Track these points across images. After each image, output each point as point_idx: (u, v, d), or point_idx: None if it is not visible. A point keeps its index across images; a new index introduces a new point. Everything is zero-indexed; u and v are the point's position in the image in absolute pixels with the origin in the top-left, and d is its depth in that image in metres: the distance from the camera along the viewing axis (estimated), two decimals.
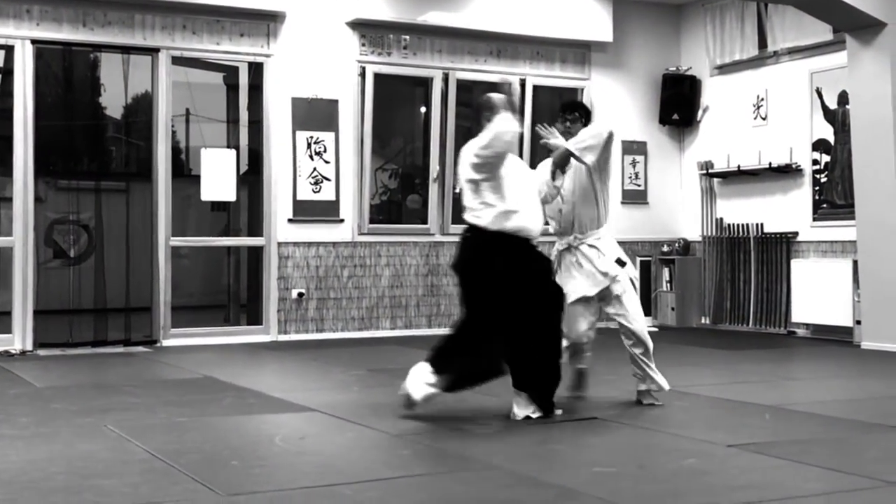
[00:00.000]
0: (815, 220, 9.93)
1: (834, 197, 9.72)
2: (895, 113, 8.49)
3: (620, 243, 10.93)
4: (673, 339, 9.73)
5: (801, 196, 10.07)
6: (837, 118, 9.67)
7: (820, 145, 9.87)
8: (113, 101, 10.03)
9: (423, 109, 10.64)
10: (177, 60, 9.30)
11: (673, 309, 10.98)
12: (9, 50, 8.74)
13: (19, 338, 8.66)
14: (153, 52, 9.14)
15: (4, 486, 3.90)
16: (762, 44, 10.51)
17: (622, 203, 11.23)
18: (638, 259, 10.94)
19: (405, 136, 11.20)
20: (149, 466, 4.28)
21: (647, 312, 10.71)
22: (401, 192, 11.10)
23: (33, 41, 8.70)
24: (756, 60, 10.61)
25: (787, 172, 10.14)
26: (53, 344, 8.75)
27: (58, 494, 3.79)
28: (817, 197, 9.90)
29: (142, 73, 9.21)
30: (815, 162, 9.92)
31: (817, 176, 9.89)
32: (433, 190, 10.20)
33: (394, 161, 11.10)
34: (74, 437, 4.92)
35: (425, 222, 10.25)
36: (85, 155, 9.36)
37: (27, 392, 6.45)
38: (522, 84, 10.66)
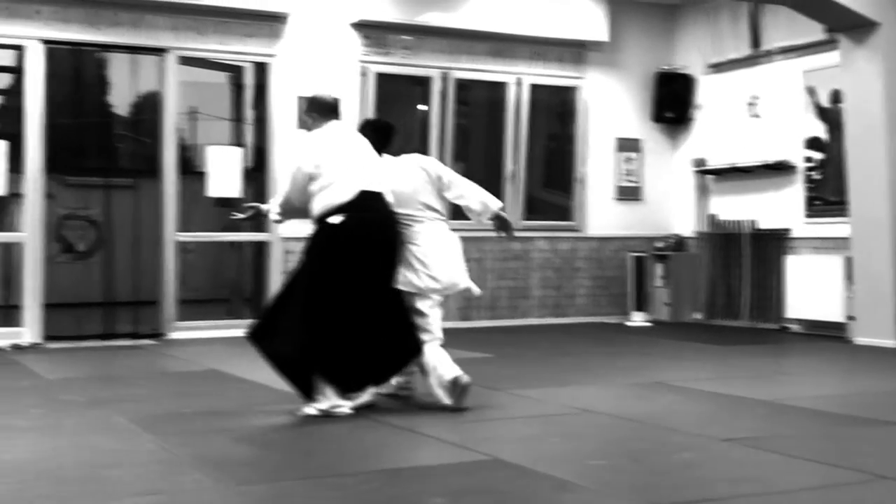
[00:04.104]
0: (807, 216, 10.03)
1: (826, 194, 9.84)
2: (887, 111, 8.60)
3: (616, 239, 11.29)
4: (666, 334, 9.83)
5: (795, 193, 10.18)
6: (830, 116, 9.79)
7: (813, 143, 9.97)
8: (121, 100, 10.18)
9: (423, 108, 10.80)
10: (184, 60, 9.42)
11: (667, 304, 11.10)
12: (20, 50, 8.87)
13: (29, 331, 8.77)
14: (161, 52, 9.25)
15: (17, 476, 4.00)
16: (755, 43, 10.61)
17: (617, 199, 11.39)
18: (632, 254, 11.12)
19: (405, 134, 11.33)
20: (157, 457, 4.37)
21: (640, 308, 10.94)
22: None
23: (44, 41, 8.81)
24: (749, 59, 10.72)
25: (780, 170, 10.25)
26: (63, 337, 8.84)
27: (68, 484, 3.89)
28: (810, 194, 10.03)
29: (149, 72, 9.34)
30: (807, 159, 10.03)
31: (810, 173, 10.01)
32: None
33: None
34: (84, 428, 5.01)
35: None
36: (93, 152, 9.48)
37: (38, 384, 6.54)
38: (519, 83, 10.84)
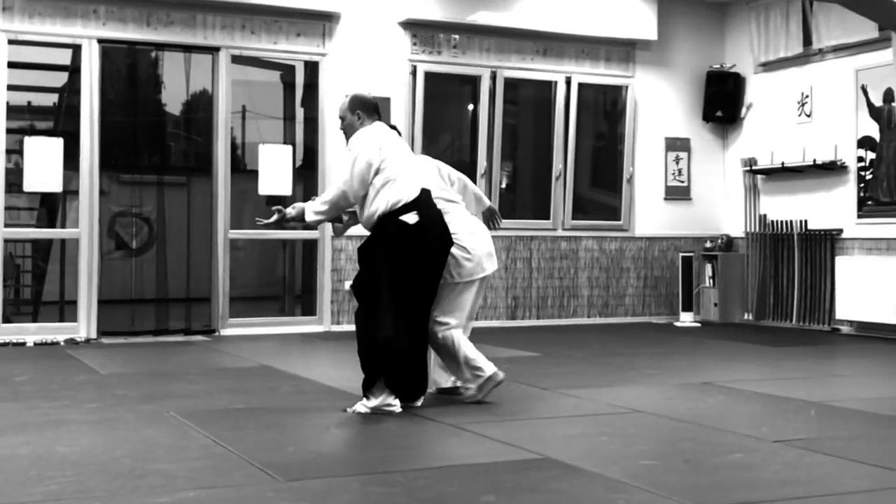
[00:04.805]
0: (859, 217, 9.96)
1: (879, 194, 9.75)
2: None
3: (664, 239, 11.26)
4: (715, 334, 9.81)
5: (846, 193, 10.11)
6: (883, 115, 9.71)
7: (865, 142, 9.90)
8: (173, 99, 10.31)
9: (471, 107, 10.84)
10: (236, 59, 9.55)
11: (716, 305, 11.07)
12: (76, 49, 9.04)
13: (84, 326, 8.92)
14: (213, 50, 9.41)
15: (73, 469, 4.06)
16: (807, 41, 10.54)
17: (665, 199, 11.37)
18: (680, 254, 11.09)
19: (453, 132, 11.39)
20: (209, 452, 4.41)
21: (689, 308, 10.90)
22: None
23: (99, 40, 8.99)
24: (801, 58, 10.66)
25: (831, 169, 10.18)
26: (116, 332, 9.00)
27: (123, 477, 3.92)
28: (862, 194, 9.94)
29: (202, 71, 9.48)
30: (860, 159, 9.95)
31: (862, 173, 9.93)
32: (480, 185, 10.38)
33: (442, 157, 11.24)
34: (138, 422, 5.07)
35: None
36: (146, 150, 9.65)
37: (93, 379, 6.64)
38: (568, 82, 10.84)
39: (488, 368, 5.63)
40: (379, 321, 5.29)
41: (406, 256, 5.32)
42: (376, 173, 5.36)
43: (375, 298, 5.32)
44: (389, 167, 5.37)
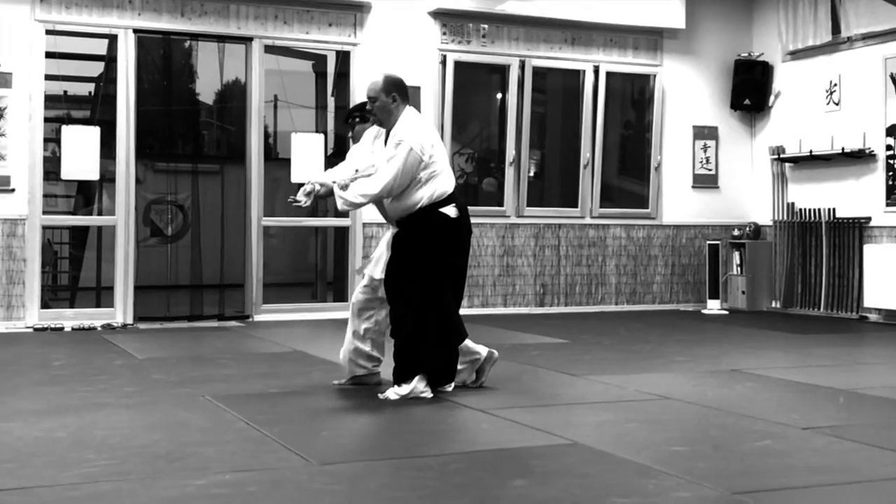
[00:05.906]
0: (888, 205, 9.93)
1: None
2: None
3: (692, 227, 11.27)
4: (743, 322, 9.80)
5: (875, 181, 10.08)
6: None
7: (894, 130, 9.86)
8: (206, 88, 10.42)
9: (499, 96, 10.89)
10: (269, 49, 9.64)
11: (743, 292, 11.07)
12: (112, 39, 9.15)
13: (121, 312, 9.04)
14: (247, 40, 9.49)
15: (112, 452, 4.13)
16: (836, 29, 10.50)
17: (693, 187, 11.38)
18: (708, 242, 11.11)
19: (482, 121, 11.44)
20: (244, 435, 4.47)
21: (716, 296, 10.92)
22: (477, 176, 11.32)
23: (135, 30, 9.09)
24: (829, 46, 10.62)
25: (860, 157, 10.16)
26: (152, 318, 9.11)
27: (161, 460, 3.99)
28: (891, 182, 9.91)
29: (235, 60, 9.57)
30: (888, 147, 9.92)
31: (891, 161, 9.90)
32: (509, 173, 10.46)
33: (471, 146, 11.36)
34: (174, 406, 5.15)
35: (501, 205, 10.51)
36: (180, 139, 9.76)
37: (130, 363, 6.73)
38: (596, 71, 10.87)
39: (483, 350, 5.73)
40: (440, 310, 5.37)
41: (451, 247, 5.41)
42: (424, 167, 5.35)
43: (427, 288, 5.36)
44: (437, 160, 5.39)
